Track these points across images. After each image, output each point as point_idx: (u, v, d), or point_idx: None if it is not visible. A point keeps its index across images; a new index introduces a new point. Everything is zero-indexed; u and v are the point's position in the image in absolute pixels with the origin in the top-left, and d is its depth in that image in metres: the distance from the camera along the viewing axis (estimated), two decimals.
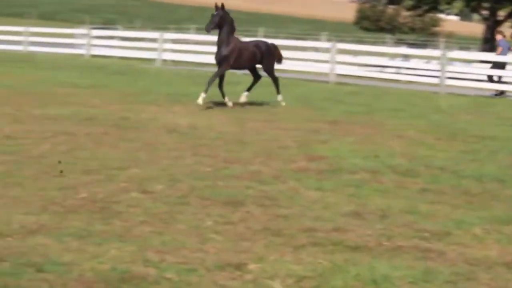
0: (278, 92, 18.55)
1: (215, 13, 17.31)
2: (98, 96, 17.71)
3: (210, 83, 17.29)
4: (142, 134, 12.59)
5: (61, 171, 9.27)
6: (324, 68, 31.00)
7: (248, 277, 5.84)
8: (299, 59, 34.12)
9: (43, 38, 38.70)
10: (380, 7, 66.74)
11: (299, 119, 15.68)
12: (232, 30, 17.61)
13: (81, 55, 35.75)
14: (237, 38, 17.98)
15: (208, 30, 17.45)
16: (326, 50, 32.75)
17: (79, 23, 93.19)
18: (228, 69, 17.85)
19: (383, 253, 6.59)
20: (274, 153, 11.37)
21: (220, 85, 17.66)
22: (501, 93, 27.82)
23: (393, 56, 39.59)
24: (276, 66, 18.87)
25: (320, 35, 46.15)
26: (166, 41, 34.72)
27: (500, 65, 28.44)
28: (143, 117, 14.49)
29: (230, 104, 17.59)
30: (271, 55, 18.45)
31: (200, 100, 16.80)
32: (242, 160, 10.67)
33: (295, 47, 35.90)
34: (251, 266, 6.04)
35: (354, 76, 31.45)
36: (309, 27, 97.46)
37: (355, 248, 6.67)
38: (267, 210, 7.92)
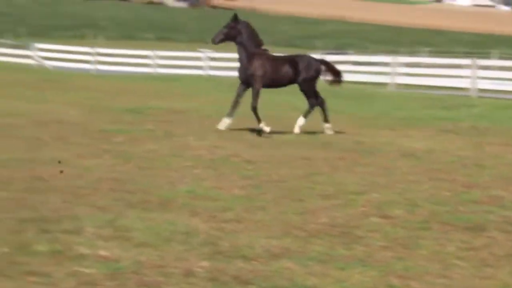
0: (325, 119, 15.83)
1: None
2: (332, 121, 17.84)
3: (253, 109, 15.35)
4: (378, 158, 12.58)
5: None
6: None
7: None
8: None
9: None
10: None
11: None
12: (252, 43, 15.46)
13: None
14: (264, 52, 15.71)
15: (214, 42, 15.86)
16: None
17: (312, 48, 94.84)
18: (261, 88, 15.53)
19: None
20: None
21: (236, 103, 15.59)
22: None
23: None
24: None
25: None
26: (398, 64, 34.57)
27: None
28: (378, 141, 14.48)
29: (222, 125, 15.32)
30: (308, 71, 15.66)
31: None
32: (481, 184, 10.43)
33: None
34: None
35: None
36: None
37: None
38: (511, 235, 7.68)
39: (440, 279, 6.17)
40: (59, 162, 10.88)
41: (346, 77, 36.03)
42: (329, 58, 39.13)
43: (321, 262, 6.59)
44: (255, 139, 14.37)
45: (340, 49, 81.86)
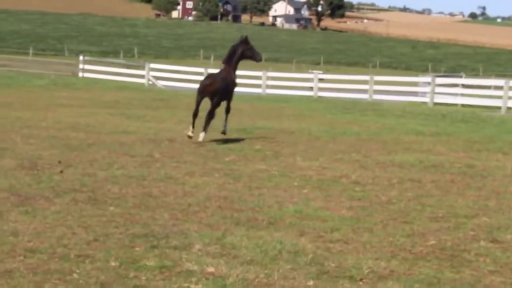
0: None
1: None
2: (442, 144, 17.66)
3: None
4: (489, 182, 12.35)
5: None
6: None
7: None
8: None
9: (386, 87, 39.44)
10: None
11: None
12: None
13: (424, 103, 35.87)
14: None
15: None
16: None
17: (424, 71, 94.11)
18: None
19: None
20: None
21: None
22: None
23: None
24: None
25: None
26: (511, 88, 33.88)
27: None
28: (490, 165, 14.22)
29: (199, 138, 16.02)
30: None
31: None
32: None
33: None
34: None
35: None
36: None
37: None
38: None
39: None
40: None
41: (457, 100, 35.71)
42: (440, 81, 38.75)
43: (428, 285, 6.52)
44: (364, 160, 14.30)
45: (452, 72, 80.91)
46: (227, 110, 17.01)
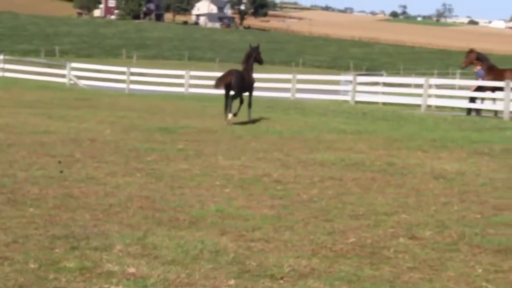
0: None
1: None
2: (363, 142, 17.86)
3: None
4: (409, 180, 12.55)
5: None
6: None
7: None
8: None
9: (309, 85, 39.68)
10: None
11: None
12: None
13: (345, 101, 36.21)
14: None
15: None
16: None
17: (346, 69, 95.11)
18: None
19: None
20: None
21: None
22: None
23: None
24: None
25: None
26: (431, 86, 34.44)
27: None
28: (410, 163, 14.43)
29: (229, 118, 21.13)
30: None
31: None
32: None
33: None
34: None
35: None
36: None
37: None
38: None
39: None
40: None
41: (378, 98, 36.16)
42: (362, 79, 39.21)
43: (348, 283, 6.60)
44: (286, 159, 14.38)
45: (373, 71, 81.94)
46: (248, 104, 22.19)
